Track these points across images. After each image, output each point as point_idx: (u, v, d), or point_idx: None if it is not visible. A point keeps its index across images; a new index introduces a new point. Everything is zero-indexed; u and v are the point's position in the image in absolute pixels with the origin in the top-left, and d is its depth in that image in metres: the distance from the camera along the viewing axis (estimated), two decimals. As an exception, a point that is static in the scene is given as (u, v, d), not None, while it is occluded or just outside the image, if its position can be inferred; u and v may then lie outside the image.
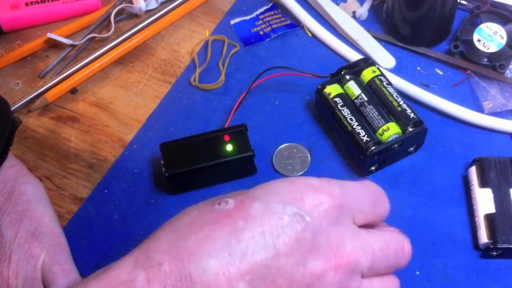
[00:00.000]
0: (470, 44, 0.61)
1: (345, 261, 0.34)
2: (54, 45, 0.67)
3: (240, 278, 0.32)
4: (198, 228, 0.33)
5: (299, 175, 0.56)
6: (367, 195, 0.37)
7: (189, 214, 0.34)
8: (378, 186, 0.39)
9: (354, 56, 0.63)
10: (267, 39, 0.66)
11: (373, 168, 0.55)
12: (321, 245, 0.34)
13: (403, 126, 0.54)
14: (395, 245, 0.37)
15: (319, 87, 0.57)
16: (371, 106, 0.55)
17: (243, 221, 0.33)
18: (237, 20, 0.67)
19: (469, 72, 0.61)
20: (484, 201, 0.51)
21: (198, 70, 0.63)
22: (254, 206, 0.33)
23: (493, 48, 0.60)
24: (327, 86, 0.56)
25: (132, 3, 0.68)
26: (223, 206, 0.34)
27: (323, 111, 0.58)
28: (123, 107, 0.62)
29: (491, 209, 0.51)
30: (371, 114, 0.54)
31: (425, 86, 0.61)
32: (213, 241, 0.32)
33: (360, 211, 0.36)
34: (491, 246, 0.49)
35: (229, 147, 0.54)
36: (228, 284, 0.31)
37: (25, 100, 0.61)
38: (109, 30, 0.67)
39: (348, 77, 0.57)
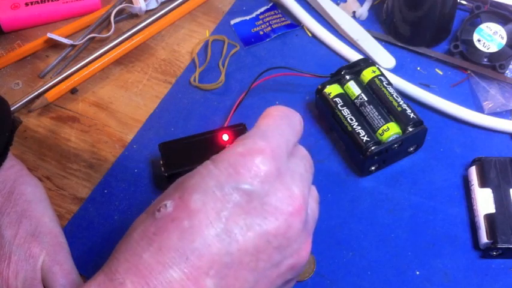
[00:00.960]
0: (470, 44, 0.61)
1: (299, 205, 0.34)
2: (54, 45, 0.67)
3: (205, 275, 0.31)
4: (148, 243, 0.32)
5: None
6: (285, 125, 0.37)
7: (136, 230, 0.33)
8: (283, 107, 0.38)
9: (354, 56, 0.63)
10: (267, 39, 0.66)
11: (373, 168, 0.55)
12: (274, 204, 0.33)
13: (403, 126, 0.54)
14: (308, 158, 0.38)
15: (319, 87, 0.57)
16: (371, 106, 0.55)
17: (187, 220, 0.32)
18: (237, 20, 0.67)
19: (469, 72, 0.61)
20: (484, 201, 0.51)
21: (198, 70, 0.63)
22: (193, 199, 0.33)
23: (493, 48, 0.60)
24: (327, 86, 0.56)
25: (132, 3, 0.68)
26: (163, 212, 0.33)
27: (323, 111, 0.58)
28: (123, 107, 0.62)
29: (491, 209, 0.51)
30: (371, 114, 0.54)
31: (425, 86, 0.61)
32: (166, 252, 0.31)
33: (287, 145, 0.36)
34: (491, 246, 0.49)
35: (229, 147, 0.54)
36: (196, 285, 0.31)
37: (25, 100, 0.61)
38: (109, 30, 0.67)
39: (348, 77, 0.57)
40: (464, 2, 0.65)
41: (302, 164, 0.37)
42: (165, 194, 0.35)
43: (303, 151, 0.38)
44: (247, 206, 0.33)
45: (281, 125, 0.37)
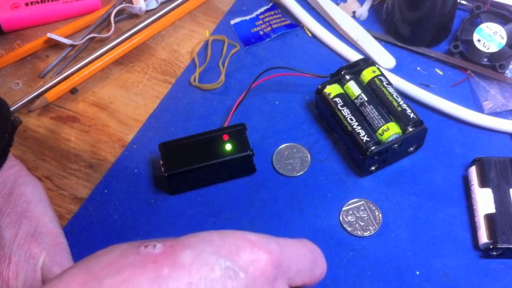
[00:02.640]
0: (470, 44, 0.61)
1: None
2: (54, 45, 0.67)
3: None
4: (117, 270, 0.29)
5: (299, 175, 0.56)
6: (306, 254, 0.35)
7: (110, 254, 0.30)
8: (316, 246, 0.36)
9: (354, 56, 0.63)
10: (267, 39, 0.66)
11: (373, 168, 0.55)
12: None
13: (403, 126, 0.54)
14: None
15: (319, 87, 0.57)
16: (371, 106, 0.55)
17: (169, 268, 0.29)
18: (237, 20, 0.67)
19: (469, 72, 0.61)
20: (484, 201, 0.51)
21: (198, 70, 0.63)
22: (184, 253, 0.30)
23: (493, 48, 0.60)
24: (327, 86, 0.56)
25: (132, 3, 0.68)
26: (149, 250, 0.30)
27: (323, 111, 0.58)
28: (123, 107, 0.62)
29: (491, 209, 0.51)
30: (371, 114, 0.54)
31: (425, 86, 0.61)
32: (131, 287, 0.28)
33: (297, 272, 0.34)
34: (491, 246, 0.49)
35: (228, 147, 0.54)
36: None
37: (25, 100, 0.61)
38: (109, 30, 0.67)
39: (348, 77, 0.57)
40: (464, 2, 0.65)
41: None
42: (158, 239, 0.32)
43: None
44: (230, 286, 0.30)
45: (303, 250, 0.35)
